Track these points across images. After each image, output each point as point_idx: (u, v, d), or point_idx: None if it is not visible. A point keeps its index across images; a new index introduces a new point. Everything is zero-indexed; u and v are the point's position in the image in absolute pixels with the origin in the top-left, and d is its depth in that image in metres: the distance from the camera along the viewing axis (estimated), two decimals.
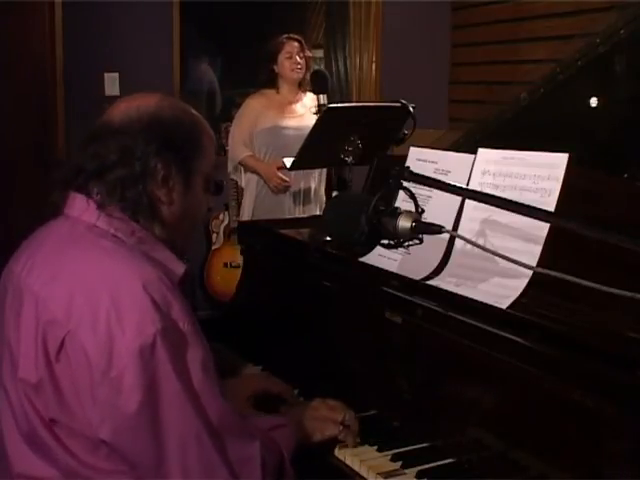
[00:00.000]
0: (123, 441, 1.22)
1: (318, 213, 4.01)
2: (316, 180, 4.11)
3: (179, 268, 1.35)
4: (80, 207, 1.33)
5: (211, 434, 1.25)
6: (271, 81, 4.04)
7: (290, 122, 4.00)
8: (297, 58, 4.00)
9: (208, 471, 1.25)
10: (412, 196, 1.46)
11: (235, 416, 1.33)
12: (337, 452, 1.50)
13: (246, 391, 1.68)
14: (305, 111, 4.02)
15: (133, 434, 1.21)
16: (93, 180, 1.33)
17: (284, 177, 3.94)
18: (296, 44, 4.02)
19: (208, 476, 1.25)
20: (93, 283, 1.25)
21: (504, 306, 1.44)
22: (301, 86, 4.06)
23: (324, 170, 4.00)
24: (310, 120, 3.85)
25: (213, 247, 4.71)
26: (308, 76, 4.01)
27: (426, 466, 1.43)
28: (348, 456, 1.48)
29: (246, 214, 4.10)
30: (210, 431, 1.25)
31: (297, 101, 4.07)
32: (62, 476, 1.25)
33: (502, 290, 1.48)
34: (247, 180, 4.11)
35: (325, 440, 1.51)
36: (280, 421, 1.47)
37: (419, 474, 1.41)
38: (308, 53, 4.10)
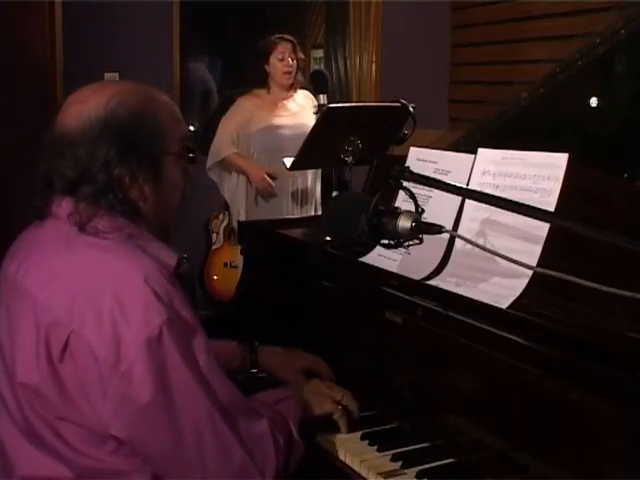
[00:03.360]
0: (138, 434, 1.23)
1: (313, 213, 4.01)
2: (310, 180, 4.09)
3: (171, 259, 1.35)
4: (65, 208, 1.32)
5: (223, 416, 1.27)
6: (262, 80, 4.02)
7: (284, 120, 3.99)
8: (289, 60, 3.97)
9: (225, 452, 1.26)
10: (412, 196, 1.46)
11: (241, 395, 1.35)
12: (338, 452, 1.51)
13: (299, 363, 1.75)
14: (298, 108, 4.01)
15: (148, 425, 1.22)
16: (65, 194, 1.32)
17: (271, 182, 3.90)
18: (289, 45, 3.99)
19: (225, 457, 1.26)
20: (93, 280, 1.25)
21: (504, 306, 1.44)
22: (292, 85, 4.05)
23: (318, 170, 3.99)
24: (304, 117, 3.85)
25: (213, 247, 4.70)
26: (299, 77, 4.01)
27: (426, 466, 1.43)
28: (348, 456, 1.48)
29: (241, 216, 4.06)
30: (222, 413, 1.27)
31: (289, 99, 4.06)
32: (70, 471, 1.25)
33: (502, 290, 1.48)
34: (238, 181, 4.05)
35: (322, 416, 1.53)
36: (284, 394, 1.50)
37: (419, 474, 1.41)
38: (300, 55, 4.07)
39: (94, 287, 1.24)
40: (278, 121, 3.99)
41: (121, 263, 1.27)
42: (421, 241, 1.44)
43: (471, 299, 1.49)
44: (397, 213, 1.41)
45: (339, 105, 2.58)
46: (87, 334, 1.21)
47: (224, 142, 3.98)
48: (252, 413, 1.35)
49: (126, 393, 1.20)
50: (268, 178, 3.90)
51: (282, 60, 3.97)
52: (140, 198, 1.36)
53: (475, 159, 1.67)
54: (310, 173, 4.07)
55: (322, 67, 5.03)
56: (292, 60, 3.99)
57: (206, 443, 1.25)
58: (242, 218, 4.00)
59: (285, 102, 4.04)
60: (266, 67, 3.99)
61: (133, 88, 1.40)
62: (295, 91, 4.06)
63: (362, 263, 1.77)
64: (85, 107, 1.34)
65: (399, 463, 1.44)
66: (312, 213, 4.03)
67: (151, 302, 1.22)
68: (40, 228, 1.37)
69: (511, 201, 1.39)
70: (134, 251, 1.29)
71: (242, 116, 4.00)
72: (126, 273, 1.25)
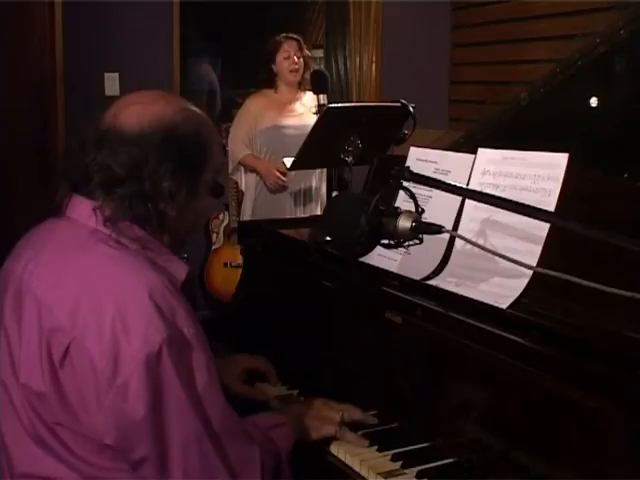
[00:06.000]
0: (127, 445, 1.22)
1: (319, 213, 4.02)
2: (317, 179, 4.12)
3: (182, 273, 1.34)
4: (83, 211, 1.31)
5: (212, 438, 1.26)
6: (270, 81, 4.06)
7: (290, 121, 4.01)
8: (295, 58, 4.01)
9: (208, 474, 1.26)
10: (412, 196, 1.46)
11: (236, 418, 1.34)
12: (338, 452, 1.51)
13: (238, 367, 1.76)
14: (305, 110, 4.03)
15: (138, 439, 1.22)
16: (100, 190, 1.30)
17: (281, 176, 3.96)
18: (294, 44, 4.03)
19: (208, 479, 1.26)
20: (98, 290, 1.24)
21: (504, 306, 1.44)
22: (300, 85, 4.07)
23: (325, 169, 4.01)
24: (310, 119, 3.86)
25: (213, 247, 4.70)
26: (307, 75, 4.02)
27: (426, 466, 1.43)
28: (348, 456, 1.48)
29: (246, 214, 4.12)
30: (211, 435, 1.26)
31: (296, 100, 4.08)
32: (70, 471, 1.25)
33: (502, 290, 1.48)
34: (247, 181, 4.14)
35: (321, 439, 1.52)
36: (279, 419, 1.48)
37: (419, 474, 1.41)
38: (307, 52, 4.11)
39: (98, 297, 1.23)
40: (284, 121, 4.02)
41: (127, 276, 1.26)
42: (421, 241, 1.44)
43: (471, 299, 1.49)
44: (397, 213, 1.41)
45: (339, 105, 2.58)
46: (87, 344, 1.21)
47: (236, 146, 4.06)
48: (244, 436, 1.34)
49: (120, 407, 1.20)
50: (278, 173, 3.95)
51: (288, 58, 4.00)
52: (172, 214, 1.35)
53: (475, 159, 1.67)
54: (316, 172, 4.09)
55: (322, 67, 5.03)
56: (298, 58, 4.01)
57: (191, 462, 1.25)
58: (248, 216, 4.07)
59: (293, 104, 4.07)
60: (273, 67, 4.02)
61: (194, 109, 1.40)
62: (304, 92, 4.08)
63: (362, 263, 1.77)
64: (149, 110, 1.33)
65: (399, 463, 1.44)
66: (317, 212, 4.04)
67: (153, 318, 1.21)
68: (52, 227, 1.36)
69: (511, 201, 1.39)
70: (143, 264, 1.28)
71: (249, 117, 4.05)
72: (131, 286, 1.24)
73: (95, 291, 1.24)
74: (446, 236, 1.59)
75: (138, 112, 1.33)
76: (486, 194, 1.46)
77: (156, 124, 1.31)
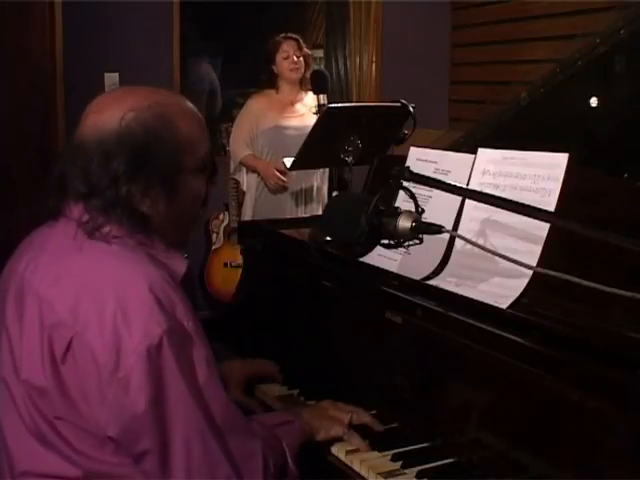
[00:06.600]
0: (130, 438, 1.23)
1: (320, 212, 4.03)
2: (318, 179, 4.13)
3: (181, 267, 1.35)
4: (79, 212, 1.32)
5: (214, 431, 1.27)
6: (271, 81, 4.06)
7: (291, 122, 4.02)
8: (294, 58, 4.01)
9: (211, 467, 1.26)
10: (412, 196, 1.46)
11: (237, 412, 1.35)
12: (338, 452, 1.51)
13: (237, 376, 1.74)
14: (306, 111, 4.04)
15: (140, 432, 1.22)
16: (74, 202, 1.32)
17: (281, 176, 3.97)
18: (293, 43, 4.03)
19: (210, 471, 1.27)
20: (99, 285, 1.25)
21: (504, 306, 1.44)
22: (302, 85, 4.07)
23: (327, 169, 4.02)
24: (311, 119, 3.88)
25: (213, 247, 4.71)
26: (308, 74, 4.03)
27: (426, 466, 1.43)
28: (348, 456, 1.48)
29: (247, 214, 4.12)
30: (213, 428, 1.27)
31: (298, 101, 4.09)
32: (72, 466, 1.26)
33: (502, 290, 1.48)
34: (248, 181, 4.14)
35: (329, 439, 1.52)
36: (286, 417, 1.49)
37: (419, 474, 1.41)
38: (306, 51, 4.11)
39: (99, 292, 1.24)
40: (285, 122, 4.03)
41: (127, 270, 1.27)
42: (421, 241, 1.44)
43: (471, 299, 1.49)
44: (397, 213, 1.41)
45: (339, 105, 2.58)
46: (89, 338, 1.22)
47: (237, 146, 4.09)
48: (246, 430, 1.35)
49: (122, 400, 1.21)
50: (277, 173, 3.97)
51: (287, 58, 4.01)
52: (152, 212, 1.34)
53: (475, 159, 1.67)
54: (318, 172, 4.10)
55: (322, 67, 5.03)
56: (297, 57, 4.02)
57: (194, 455, 1.25)
58: (249, 216, 4.08)
59: (294, 104, 4.08)
60: (273, 67, 4.03)
61: (154, 101, 1.36)
62: (305, 92, 4.08)
63: (362, 263, 1.77)
64: (100, 119, 1.33)
65: (399, 463, 1.44)
66: (319, 212, 4.05)
67: (153, 311, 1.22)
68: (51, 229, 1.37)
69: (511, 201, 1.39)
70: (141, 258, 1.29)
71: (251, 117, 4.07)
72: (131, 280, 1.25)
73: (95, 286, 1.25)
74: (446, 236, 1.59)
75: (92, 122, 1.34)
76: (486, 194, 1.46)
77: (107, 132, 1.31)
